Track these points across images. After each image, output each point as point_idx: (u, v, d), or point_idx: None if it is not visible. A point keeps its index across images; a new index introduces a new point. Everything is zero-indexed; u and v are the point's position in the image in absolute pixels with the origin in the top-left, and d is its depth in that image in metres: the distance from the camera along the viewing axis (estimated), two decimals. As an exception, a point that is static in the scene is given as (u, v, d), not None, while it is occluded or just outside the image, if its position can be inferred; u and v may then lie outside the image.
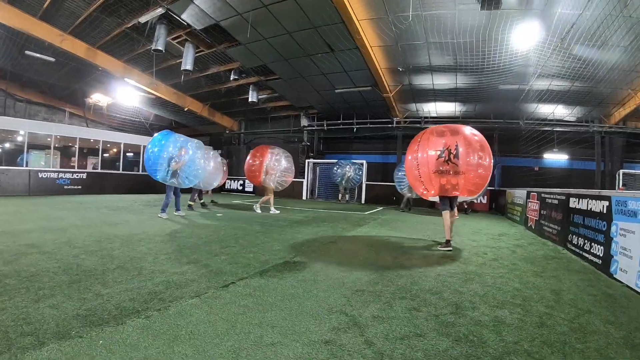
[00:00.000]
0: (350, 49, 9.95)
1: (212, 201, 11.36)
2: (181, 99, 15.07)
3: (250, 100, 13.64)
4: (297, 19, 8.45)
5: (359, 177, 14.65)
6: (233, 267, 3.43)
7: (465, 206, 11.30)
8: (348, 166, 14.55)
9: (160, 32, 8.95)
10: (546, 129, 14.09)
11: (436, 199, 5.36)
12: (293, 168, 9.08)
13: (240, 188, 18.00)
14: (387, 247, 5.10)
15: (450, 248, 5.04)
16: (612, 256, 3.85)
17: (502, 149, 15.06)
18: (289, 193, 12.61)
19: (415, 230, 7.04)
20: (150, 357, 1.69)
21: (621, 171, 12.83)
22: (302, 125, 17.06)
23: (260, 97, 14.16)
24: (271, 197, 8.87)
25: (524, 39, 8.10)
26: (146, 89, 13.48)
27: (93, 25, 9.91)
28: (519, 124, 14.15)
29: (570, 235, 5.37)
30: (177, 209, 7.42)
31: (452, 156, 4.79)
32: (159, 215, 7.00)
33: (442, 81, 11.79)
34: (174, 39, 10.10)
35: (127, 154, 14.95)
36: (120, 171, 14.50)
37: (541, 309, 2.77)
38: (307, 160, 16.42)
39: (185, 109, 15.37)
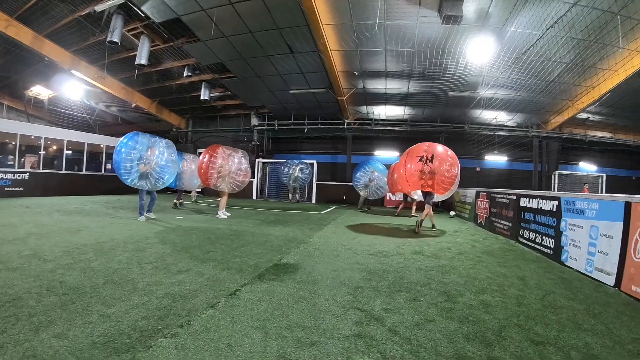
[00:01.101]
0: (310, 52, 10.33)
1: (194, 201, 11.79)
2: (129, 94, 14.30)
3: (202, 98, 13.34)
4: (262, 19, 8.57)
5: (306, 177, 15.12)
6: (228, 274, 3.50)
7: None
8: (295, 166, 14.96)
9: (117, 22, 8.51)
10: (489, 133, 15.88)
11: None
12: (249, 168, 8.84)
13: None
14: (361, 246, 5.48)
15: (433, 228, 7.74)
16: (563, 247, 4.68)
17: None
18: (239, 193, 12.57)
19: (378, 229, 7.55)
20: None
21: (557, 172, 14.94)
22: (252, 124, 17.15)
23: (212, 95, 13.90)
24: (224, 199, 8.51)
25: (477, 52, 9.16)
26: (93, 83, 12.58)
27: (43, 10, 9.17)
28: (464, 128, 15.72)
29: (522, 230, 6.28)
30: (149, 210, 7.40)
31: (428, 160, 6.97)
32: (139, 219, 6.97)
33: (395, 86, 12.71)
34: (128, 30, 9.61)
35: (67, 152, 13.69)
36: (64, 171, 13.27)
37: (515, 292, 3.35)
38: (257, 160, 16.53)
39: (133, 105, 14.56)
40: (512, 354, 2.08)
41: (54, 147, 14.07)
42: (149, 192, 7.26)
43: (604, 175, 15.31)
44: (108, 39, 8.59)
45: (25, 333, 2.02)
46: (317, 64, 11.06)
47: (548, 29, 7.41)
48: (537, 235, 5.55)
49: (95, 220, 6.74)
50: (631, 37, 7.99)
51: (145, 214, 7.19)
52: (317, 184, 16.08)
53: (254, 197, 16.40)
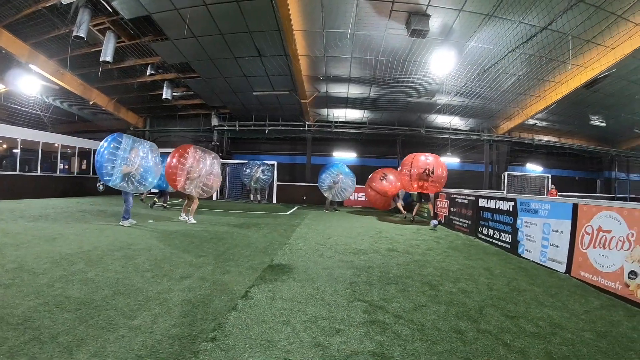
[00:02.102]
0: (278, 56, 10.62)
1: (164, 206, 11.30)
2: (87, 91, 13.49)
3: (164, 97, 13.03)
4: (235, 21, 8.69)
5: (268, 178, 15.43)
6: (230, 277, 3.71)
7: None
8: (257, 167, 15.21)
9: (84, 17, 8.11)
10: (443, 136, 17.24)
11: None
12: (219, 171, 8.57)
13: None
14: (338, 245, 5.91)
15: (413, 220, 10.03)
16: (519, 241, 5.53)
17: (405, 152, 17.61)
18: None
19: (347, 229, 8.02)
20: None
21: (506, 173, 16.60)
22: (212, 124, 17.02)
23: (173, 94, 13.63)
24: (194, 203, 8.16)
25: (439, 63, 10.06)
26: (51, 78, 11.74)
27: (3, -1, 8.47)
28: (420, 131, 16.94)
29: (481, 227, 7.14)
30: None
31: (430, 173, 9.44)
32: (121, 223, 6.94)
33: (356, 91, 13.45)
34: (94, 25, 9.16)
35: (14, 151, 12.60)
36: (17, 172, 12.18)
37: (484, 280, 4.00)
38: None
39: (91, 103, 13.74)
40: (495, 326, 2.65)
41: (4, 146, 12.94)
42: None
43: (549, 175, 17.29)
44: (74, 34, 8.16)
45: (58, 356, 1.95)
46: (283, 68, 11.37)
47: (510, 51, 8.47)
48: (496, 231, 6.40)
49: (67, 227, 6.44)
50: (579, 54, 9.40)
51: (130, 219, 7.06)
52: (277, 185, 16.41)
53: (214, 197, 16.26)
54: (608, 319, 2.94)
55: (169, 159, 8.02)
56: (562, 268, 4.44)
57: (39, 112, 14.45)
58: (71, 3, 8.12)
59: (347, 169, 13.04)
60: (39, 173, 12.89)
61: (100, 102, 14.15)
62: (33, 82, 11.87)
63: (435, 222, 8.70)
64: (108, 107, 14.71)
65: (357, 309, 2.91)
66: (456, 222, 8.61)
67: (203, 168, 8.08)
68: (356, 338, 2.36)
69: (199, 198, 8.25)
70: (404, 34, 8.58)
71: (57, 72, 11.67)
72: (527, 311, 3.01)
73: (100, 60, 9.36)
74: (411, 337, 2.41)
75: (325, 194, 12.93)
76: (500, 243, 6.19)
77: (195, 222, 7.98)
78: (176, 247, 5.20)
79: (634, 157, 19.59)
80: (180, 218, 8.27)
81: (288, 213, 11.43)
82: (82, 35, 8.37)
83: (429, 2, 7.49)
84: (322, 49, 10.07)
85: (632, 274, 3.39)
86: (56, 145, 13.80)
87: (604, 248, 3.81)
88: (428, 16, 7.84)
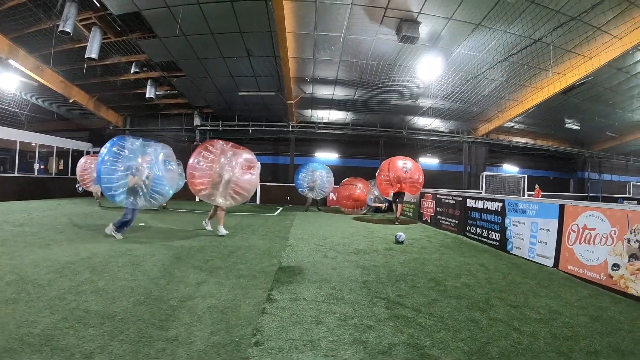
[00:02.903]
0: (267, 57, 10.77)
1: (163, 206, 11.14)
2: (68, 88, 13.00)
3: (147, 96, 12.82)
4: (226, 21, 8.75)
5: None
6: (246, 281, 3.82)
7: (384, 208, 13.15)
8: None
9: (71, 11, 7.88)
10: (424, 137, 17.92)
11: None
12: (255, 175, 6.99)
13: None
14: (337, 245, 6.15)
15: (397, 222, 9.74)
16: (508, 239, 5.99)
17: (387, 153, 18.12)
18: (183, 195, 12.55)
19: (338, 229, 8.26)
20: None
21: (484, 173, 17.43)
22: (195, 124, 16.89)
23: (157, 93, 13.44)
24: (221, 210, 6.93)
25: (425, 68, 10.52)
26: (31, 74, 11.26)
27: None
28: (402, 133, 17.53)
29: (468, 226, 7.59)
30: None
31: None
32: (112, 232, 5.98)
33: (342, 92, 13.81)
34: (80, 21, 8.91)
35: None
36: None
37: (482, 275, 4.38)
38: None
39: (71, 100, 13.27)
40: (503, 314, 2.99)
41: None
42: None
43: (526, 176, 18.34)
44: (60, 29, 7.92)
45: None
46: (271, 69, 11.52)
47: (499, 62, 9.05)
48: (484, 230, 6.85)
49: (56, 232, 6.28)
50: (560, 63, 10.16)
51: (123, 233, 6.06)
52: (261, 185, 16.47)
53: (197, 198, 16.08)
54: (597, 305, 3.36)
55: (191, 159, 6.64)
56: (550, 263, 4.90)
57: (16, 110, 13.83)
58: None
59: (318, 165, 13.17)
60: (16, 174, 12.37)
61: (81, 99, 13.72)
62: (11, 78, 11.38)
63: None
64: (88, 105, 14.29)
65: (378, 305, 3.16)
66: (443, 222, 9.06)
67: (234, 168, 6.58)
68: (387, 332, 2.60)
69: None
70: (394, 39, 8.96)
71: (37, 68, 11.24)
72: (526, 301, 3.38)
73: (86, 56, 9.13)
74: (435, 327, 2.69)
75: (308, 195, 12.88)
76: (489, 241, 6.65)
77: (227, 232, 6.86)
78: (178, 251, 5.20)
79: (606, 158, 21.15)
80: (207, 228, 7.13)
81: (276, 214, 11.56)
82: (68, 30, 8.14)
83: (421, 9, 7.89)
84: (312, 51, 10.30)
85: (615, 266, 3.86)
86: (33, 144, 13.28)
87: (589, 244, 4.28)
88: (419, 23, 8.25)
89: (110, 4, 8.33)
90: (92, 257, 4.57)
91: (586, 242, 4.34)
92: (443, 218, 9.12)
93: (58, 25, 8.61)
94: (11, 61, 10.49)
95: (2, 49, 10.14)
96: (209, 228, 7.06)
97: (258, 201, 16.31)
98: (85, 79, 12.65)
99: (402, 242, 6.57)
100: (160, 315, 2.76)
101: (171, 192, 6.22)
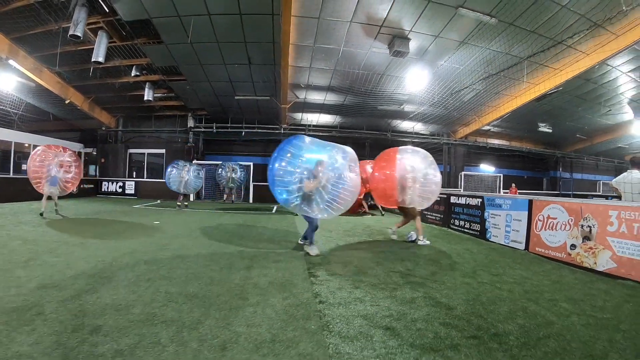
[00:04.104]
0: (267, 65, 11.53)
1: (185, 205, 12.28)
2: (64, 89, 13.16)
3: (145, 98, 13.27)
4: (233, 31, 9.44)
5: (241, 177, 16.33)
6: (284, 264, 4.56)
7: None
8: (229, 168, 16.12)
9: (81, 15, 8.18)
10: (406, 140, 19.14)
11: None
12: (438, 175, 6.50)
13: (119, 190, 17.04)
14: (345, 238, 6.99)
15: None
16: (487, 229, 7.13)
17: (372, 154, 19.15)
18: (172, 194, 13.32)
19: (336, 224, 9.02)
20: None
21: (462, 173, 18.84)
22: (189, 126, 17.39)
23: (155, 95, 13.91)
24: (418, 216, 6.73)
25: (412, 78, 11.63)
26: (29, 75, 11.42)
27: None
28: (387, 135, 18.70)
29: (452, 219, 8.71)
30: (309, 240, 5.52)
31: None
32: (308, 249, 5.38)
33: (333, 98, 14.79)
34: (87, 24, 9.23)
35: None
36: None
37: (468, 256, 5.47)
38: (193, 162, 16.90)
39: (67, 101, 13.45)
40: (487, 280, 4.05)
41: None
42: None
43: (501, 175, 19.83)
44: (70, 33, 8.21)
45: (219, 329, 2.46)
46: (269, 75, 12.28)
47: (480, 80, 10.23)
48: (467, 222, 7.98)
49: (81, 232, 6.63)
50: (534, 75, 11.56)
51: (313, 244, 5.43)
52: (254, 185, 17.42)
53: (191, 198, 16.64)
54: (558, 274, 4.48)
55: (380, 171, 6.56)
56: (521, 246, 6.06)
57: (9, 109, 13.88)
58: (69, 0, 8.21)
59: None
60: (11, 175, 12.51)
61: (76, 100, 13.94)
62: (9, 78, 11.55)
63: (412, 235, 6.75)
64: (83, 106, 14.50)
65: (395, 276, 4.12)
66: (429, 216, 10.16)
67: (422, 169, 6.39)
68: (408, 291, 3.62)
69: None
70: (386, 53, 9.99)
71: (35, 69, 11.47)
72: (504, 272, 4.47)
73: (92, 60, 9.49)
74: (440, 288, 3.69)
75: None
76: (470, 231, 7.78)
77: (429, 242, 6.54)
78: (208, 240, 5.98)
79: (577, 159, 22.98)
80: (394, 237, 6.90)
81: (274, 211, 12.33)
82: (78, 34, 8.40)
83: (412, 28, 8.94)
84: (309, 61, 11.17)
85: (572, 246, 5.02)
86: (26, 145, 13.43)
87: (552, 230, 5.44)
88: (409, 39, 9.30)
89: (122, 10, 8.76)
90: (133, 252, 4.90)
91: (550, 228, 5.48)
92: (429, 213, 10.21)
93: (64, 28, 8.95)
94: (11, 61, 10.69)
95: (2, 49, 10.34)
96: (426, 242, 6.55)
97: (251, 200, 17.04)
98: (83, 80, 12.95)
99: (414, 241, 6.56)
100: (233, 291, 3.33)
101: (350, 203, 5.24)
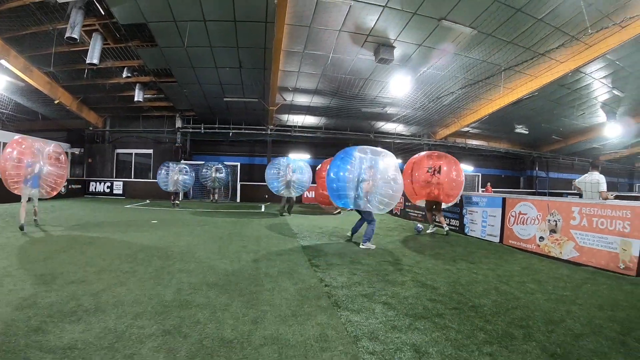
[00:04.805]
0: (257, 69, 11.92)
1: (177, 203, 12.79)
2: (54, 89, 13.04)
3: (136, 99, 13.38)
4: (227, 37, 9.80)
5: (224, 177, 16.59)
6: (287, 256, 5.09)
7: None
8: (212, 167, 16.40)
9: (77, 18, 8.25)
10: (388, 140, 19.87)
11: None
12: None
13: (107, 190, 16.99)
14: (335, 233, 7.43)
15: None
16: (465, 225, 7.80)
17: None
18: (166, 195, 13.83)
19: (324, 222, 9.61)
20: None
21: (442, 172, 19.68)
22: (177, 126, 17.52)
23: (145, 96, 14.03)
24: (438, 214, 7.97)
25: (395, 83, 12.26)
26: (19, 74, 11.33)
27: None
28: (370, 136, 19.37)
29: (433, 216, 9.33)
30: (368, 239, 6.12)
31: (436, 172, 7.79)
32: (368, 245, 5.96)
33: (319, 101, 15.28)
34: (82, 26, 9.30)
35: None
36: None
37: (449, 248, 6.09)
38: (181, 162, 17.11)
39: (56, 102, 13.35)
40: (465, 267, 4.67)
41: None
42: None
43: (480, 174, 20.69)
44: (67, 35, 8.26)
45: (248, 290, 3.47)
46: (259, 79, 12.68)
47: (461, 88, 10.93)
48: (446, 219, 8.62)
49: (105, 230, 6.92)
50: (510, 81, 12.39)
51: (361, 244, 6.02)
52: (241, 185, 17.82)
53: (181, 198, 16.81)
54: (528, 262, 5.16)
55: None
56: (496, 240, 6.76)
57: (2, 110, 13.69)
58: (67, 3, 8.27)
59: (285, 161, 11.79)
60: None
61: (65, 100, 13.86)
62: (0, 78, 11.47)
63: (420, 227, 8.20)
64: (72, 107, 14.42)
65: (385, 265, 4.68)
66: (412, 214, 10.81)
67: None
68: (398, 276, 4.18)
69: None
70: (372, 59, 10.56)
71: (26, 69, 11.41)
72: (480, 260, 5.11)
73: (87, 62, 9.56)
74: (425, 273, 4.27)
75: (284, 194, 11.33)
76: (450, 227, 8.42)
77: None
78: (211, 237, 6.38)
79: (553, 159, 24.18)
80: (429, 230, 7.98)
81: (263, 211, 12.74)
82: (75, 36, 8.45)
83: (397, 37, 9.53)
84: (298, 66, 11.63)
85: (541, 238, 5.73)
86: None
87: (523, 224, 6.14)
88: (394, 47, 9.89)
89: (119, 14, 8.90)
90: (144, 249, 5.19)
91: (521, 223, 6.18)
92: (411, 210, 10.85)
93: (58, 29, 8.98)
94: (2, 61, 10.66)
95: (-5, 49, 10.32)
96: (430, 231, 7.91)
97: (238, 200, 17.36)
98: (74, 80, 12.95)
99: (420, 232, 7.86)
100: (248, 280, 3.79)
101: (394, 204, 6.04)
